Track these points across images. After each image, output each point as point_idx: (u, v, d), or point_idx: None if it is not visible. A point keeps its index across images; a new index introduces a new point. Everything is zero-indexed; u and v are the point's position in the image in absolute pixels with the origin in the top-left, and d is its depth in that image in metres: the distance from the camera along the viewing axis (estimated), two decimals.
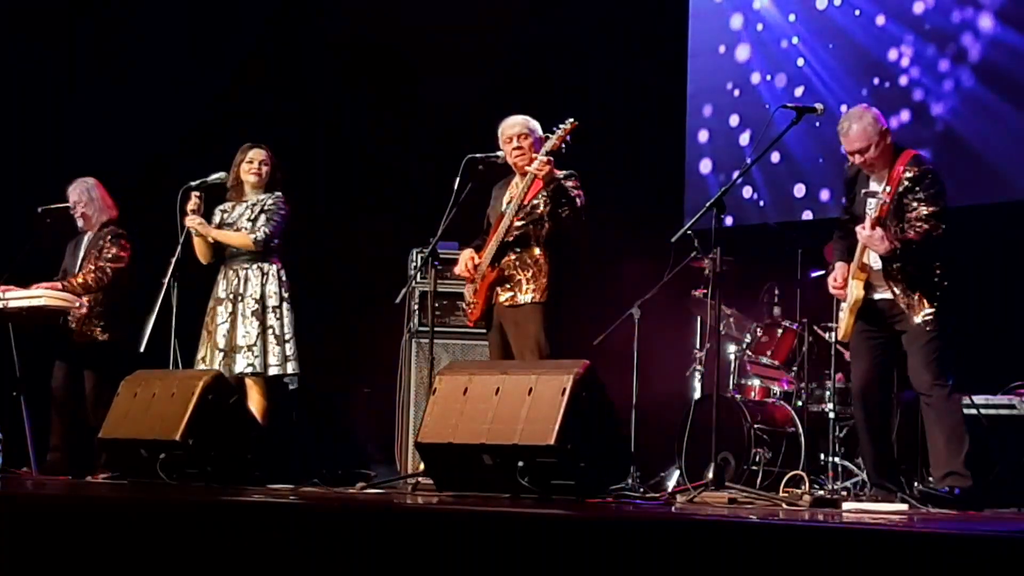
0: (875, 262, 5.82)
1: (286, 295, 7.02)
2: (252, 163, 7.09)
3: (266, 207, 7.04)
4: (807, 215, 8.94)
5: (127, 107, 9.13)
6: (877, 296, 5.89)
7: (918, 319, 5.76)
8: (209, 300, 7.06)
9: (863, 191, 5.90)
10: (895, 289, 5.80)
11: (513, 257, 6.34)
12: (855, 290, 5.85)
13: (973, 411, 6.96)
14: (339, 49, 9.75)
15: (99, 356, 7.43)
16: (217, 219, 7.10)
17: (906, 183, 5.74)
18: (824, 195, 8.83)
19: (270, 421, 6.91)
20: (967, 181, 7.99)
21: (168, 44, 9.32)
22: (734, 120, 9.28)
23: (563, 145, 6.23)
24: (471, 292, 6.51)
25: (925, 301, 5.76)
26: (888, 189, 5.72)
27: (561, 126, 6.23)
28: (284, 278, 7.04)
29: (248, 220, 7.03)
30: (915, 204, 5.74)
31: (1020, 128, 7.92)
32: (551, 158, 6.18)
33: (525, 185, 6.32)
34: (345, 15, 9.73)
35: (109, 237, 7.56)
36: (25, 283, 7.34)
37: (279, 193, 7.10)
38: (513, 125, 6.48)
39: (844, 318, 5.95)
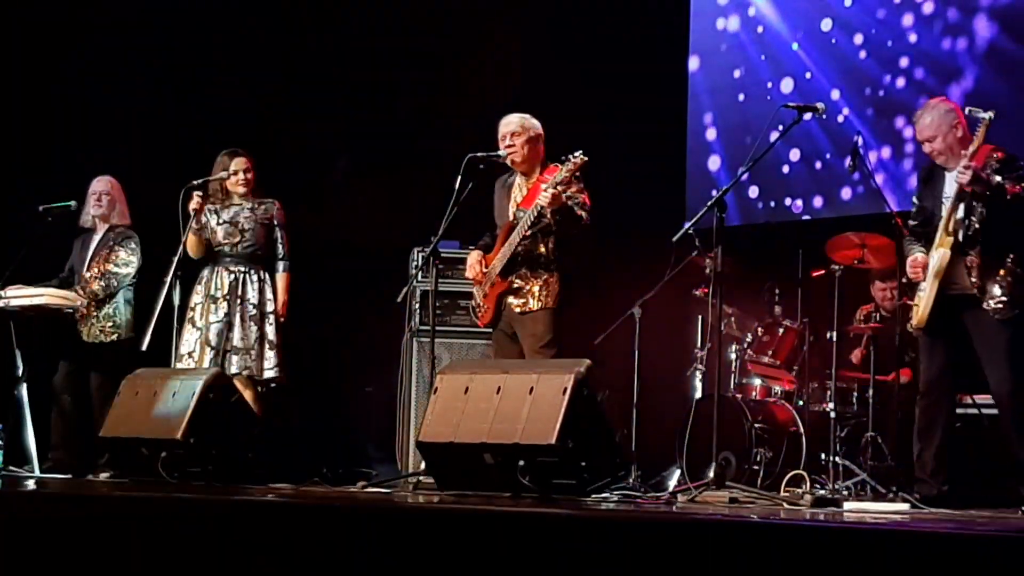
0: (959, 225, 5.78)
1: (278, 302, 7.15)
2: (237, 174, 7.13)
3: (274, 221, 7.19)
4: (808, 214, 8.93)
5: (124, 105, 9.14)
6: (953, 293, 5.85)
7: (989, 305, 5.73)
8: (194, 295, 7.05)
9: (943, 195, 5.92)
10: (971, 274, 5.77)
11: (524, 269, 6.37)
12: (940, 256, 5.79)
13: (974, 410, 6.97)
14: (340, 44, 9.76)
15: (106, 357, 7.43)
16: (213, 218, 7.10)
17: (995, 164, 5.74)
18: (826, 195, 8.83)
19: (271, 420, 6.93)
20: None
21: (167, 43, 9.33)
22: (736, 119, 9.27)
23: (545, 155, 6.25)
24: (480, 295, 6.53)
25: (997, 288, 5.74)
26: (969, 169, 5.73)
27: (572, 160, 6.20)
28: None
29: (258, 224, 7.11)
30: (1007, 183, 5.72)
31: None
32: (560, 189, 6.16)
33: (529, 192, 6.28)
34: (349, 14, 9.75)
35: (120, 240, 7.55)
36: (29, 282, 7.34)
37: (277, 203, 7.19)
38: (507, 123, 6.49)
39: (926, 293, 5.85)
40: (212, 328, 6.95)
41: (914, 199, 6.23)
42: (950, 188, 5.94)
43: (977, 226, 5.77)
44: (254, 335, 6.99)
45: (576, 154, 6.20)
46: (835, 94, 8.75)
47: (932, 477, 5.92)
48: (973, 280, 5.80)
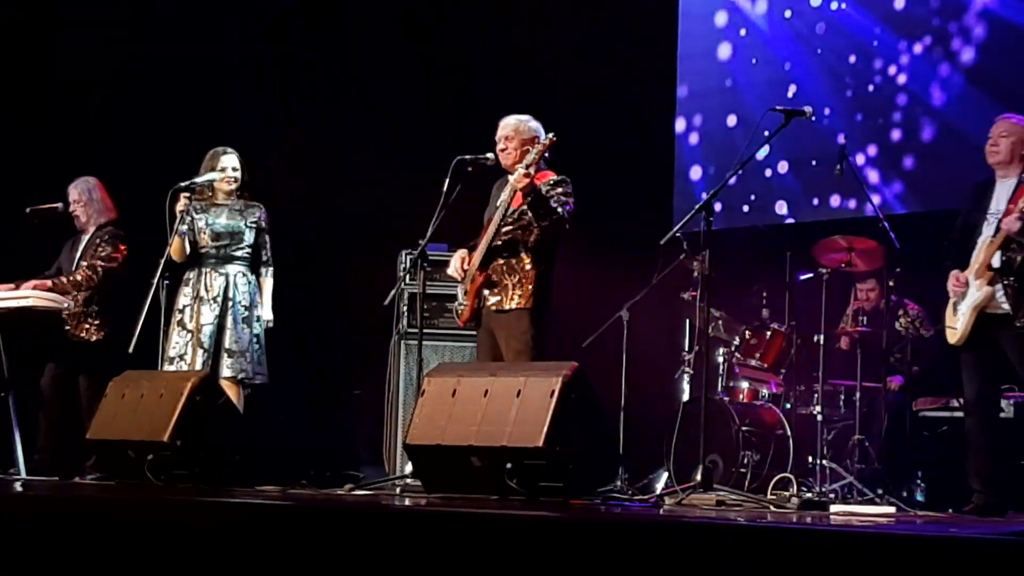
0: (996, 262, 5.96)
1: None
2: (225, 171, 7.12)
3: (262, 225, 7.17)
4: (794, 217, 8.95)
5: (115, 106, 9.13)
6: (990, 311, 6.01)
7: (1021, 323, 5.90)
8: (181, 297, 7.04)
9: (989, 210, 6.08)
10: (1007, 294, 5.93)
11: (501, 262, 6.33)
12: (979, 289, 5.97)
13: (962, 414, 6.98)
14: (329, 45, 9.77)
15: (92, 357, 7.41)
16: (200, 220, 7.08)
17: None
18: (813, 198, 8.85)
19: (257, 422, 6.93)
20: (954, 185, 8.01)
21: (159, 47, 9.32)
22: (723, 123, 9.29)
23: (543, 158, 6.23)
24: (462, 293, 6.52)
25: None
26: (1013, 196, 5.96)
27: (541, 140, 6.22)
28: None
29: (248, 228, 7.09)
30: None
31: None
32: (529, 172, 6.16)
33: (513, 190, 6.31)
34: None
35: (107, 237, 7.54)
36: (15, 283, 7.32)
37: (262, 207, 7.19)
38: (503, 126, 6.48)
39: (964, 320, 6.03)
40: (204, 330, 6.94)
41: (961, 212, 6.31)
42: (997, 202, 6.06)
43: (1018, 260, 5.92)
44: (247, 338, 6.99)
45: (547, 135, 6.20)
46: (820, 96, 8.77)
47: (986, 487, 6.00)
48: (1010, 303, 5.94)
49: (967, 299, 6.04)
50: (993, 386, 6.23)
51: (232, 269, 7.07)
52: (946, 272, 6.17)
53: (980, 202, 6.16)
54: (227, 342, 6.95)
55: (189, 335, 6.96)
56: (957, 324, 6.08)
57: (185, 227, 6.99)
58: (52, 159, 8.77)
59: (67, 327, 7.38)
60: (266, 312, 7.12)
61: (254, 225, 7.15)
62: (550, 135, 6.22)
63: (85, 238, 7.62)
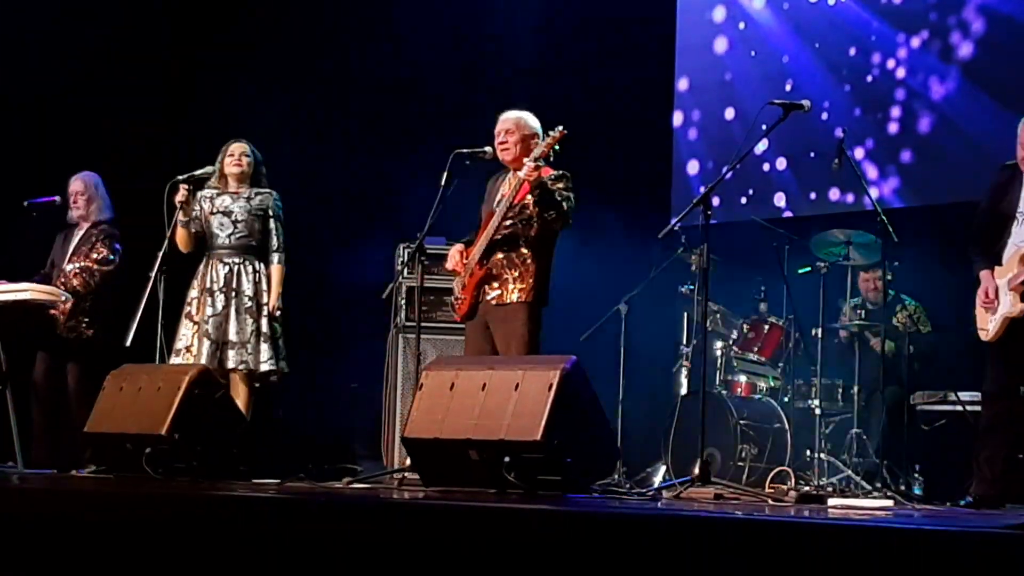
0: None
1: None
2: (233, 156, 7.13)
3: (271, 212, 7.13)
4: (792, 212, 8.95)
5: (112, 100, 9.12)
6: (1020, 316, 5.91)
7: None
8: (191, 289, 7.04)
9: (1018, 209, 5.93)
10: None
11: (501, 256, 6.31)
12: (1013, 303, 5.84)
13: (959, 408, 6.99)
14: (331, 40, 9.76)
15: (84, 350, 7.40)
16: (207, 208, 7.08)
17: None
18: (811, 192, 8.85)
19: (255, 416, 6.92)
20: (952, 179, 8.02)
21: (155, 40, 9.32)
22: (721, 117, 9.29)
23: (551, 152, 6.20)
24: (459, 287, 6.50)
25: None
26: None
27: (551, 133, 6.20)
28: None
29: (252, 215, 7.07)
30: None
31: (1006, 126, 7.94)
32: (539, 163, 6.15)
33: (517, 184, 6.29)
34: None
35: (103, 237, 7.51)
36: (12, 278, 7.31)
37: (276, 195, 7.17)
38: (503, 121, 6.46)
39: (995, 323, 5.93)
40: (210, 322, 6.93)
41: (984, 200, 6.11)
42: None
43: None
44: (250, 328, 6.96)
45: (556, 128, 6.18)
46: (818, 90, 8.76)
47: (992, 479, 5.93)
48: None
49: (999, 309, 5.90)
50: (1016, 380, 6.04)
51: (237, 258, 7.04)
52: (974, 269, 6.03)
53: (1005, 195, 5.97)
54: (230, 333, 6.94)
55: (196, 327, 6.95)
56: (989, 327, 5.96)
57: (185, 218, 6.99)
58: (52, 157, 8.76)
59: (59, 321, 7.34)
60: (273, 299, 7.07)
61: (261, 212, 7.12)
62: (560, 128, 6.18)
63: (79, 233, 7.58)
